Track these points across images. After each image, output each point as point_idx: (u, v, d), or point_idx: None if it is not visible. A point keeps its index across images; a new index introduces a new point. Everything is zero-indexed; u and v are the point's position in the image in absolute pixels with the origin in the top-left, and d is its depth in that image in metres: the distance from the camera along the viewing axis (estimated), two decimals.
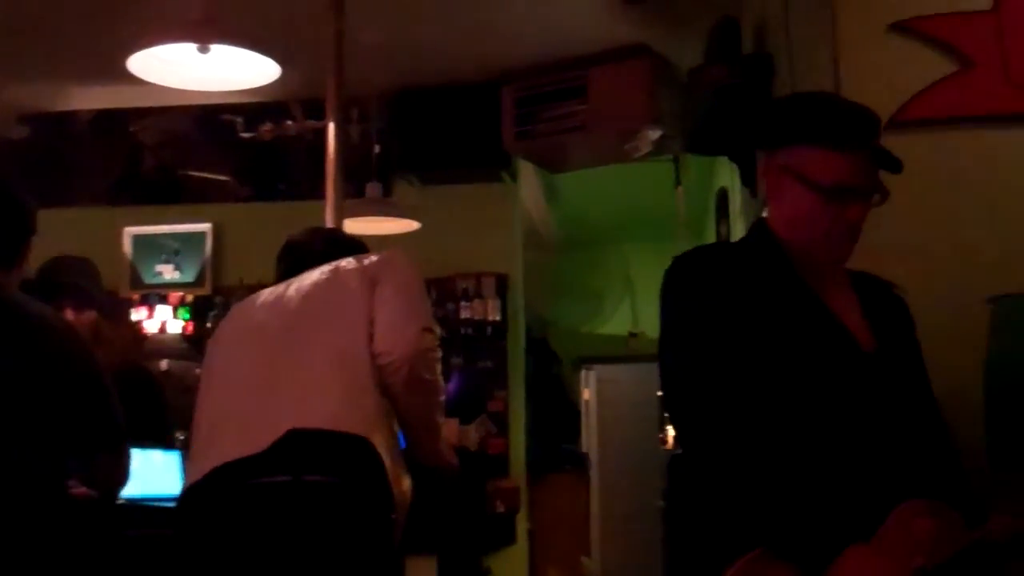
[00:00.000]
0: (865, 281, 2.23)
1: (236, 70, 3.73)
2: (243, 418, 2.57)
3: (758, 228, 2.20)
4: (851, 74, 3.05)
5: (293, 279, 2.82)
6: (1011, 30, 3.12)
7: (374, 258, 2.82)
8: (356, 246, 3.01)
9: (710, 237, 7.02)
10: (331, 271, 2.78)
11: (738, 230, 5.35)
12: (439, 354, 2.73)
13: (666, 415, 9.69)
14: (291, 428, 2.47)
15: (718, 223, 6.30)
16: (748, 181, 4.35)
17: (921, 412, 2.12)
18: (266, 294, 2.84)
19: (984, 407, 2.79)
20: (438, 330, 2.75)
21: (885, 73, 3.09)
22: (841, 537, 1.81)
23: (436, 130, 6.08)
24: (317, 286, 2.75)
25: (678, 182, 6.81)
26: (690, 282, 2.07)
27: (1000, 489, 2.56)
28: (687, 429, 2.03)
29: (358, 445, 2.49)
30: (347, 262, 2.80)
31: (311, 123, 4.40)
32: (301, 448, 2.46)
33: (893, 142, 2.17)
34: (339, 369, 2.60)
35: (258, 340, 2.72)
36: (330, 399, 2.55)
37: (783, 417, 1.92)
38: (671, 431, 9.68)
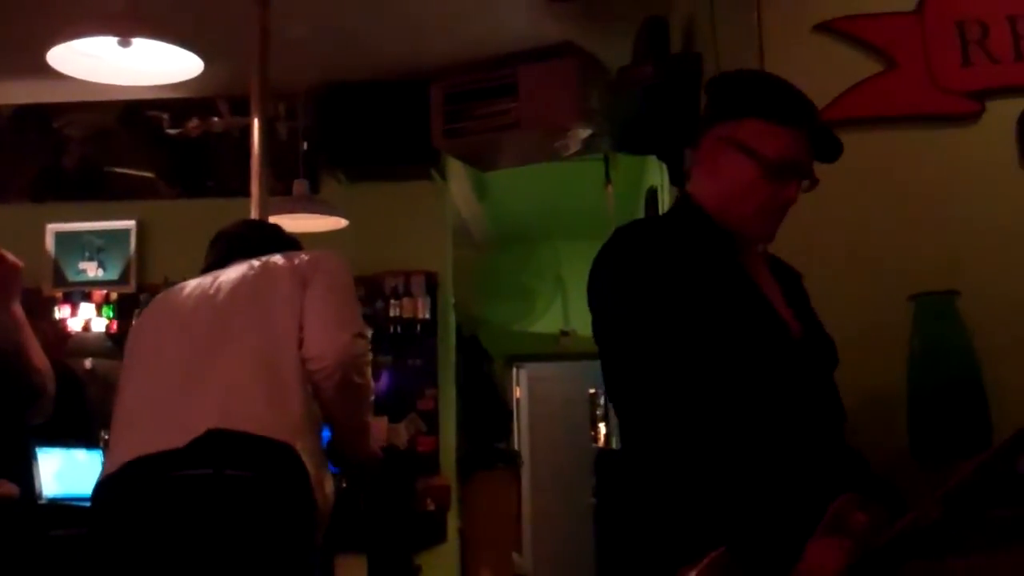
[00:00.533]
0: (778, 266, 2.24)
1: (159, 65, 3.67)
2: (163, 413, 2.51)
3: (686, 203, 2.17)
4: (777, 73, 3.06)
5: (220, 271, 2.76)
6: (933, 31, 3.17)
7: (305, 257, 2.76)
8: (288, 241, 2.96)
9: None
10: (260, 266, 2.72)
11: None
12: (370, 358, 2.69)
13: (598, 412, 9.77)
14: (211, 428, 2.42)
15: None
16: (676, 180, 4.37)
17: (838, 400, 2.14)
18: (192, 286, 2.77)
19: (907, 401, 2.84)
20: (369, 333, 2.71)
21: (810, 73, 3.10)
22: (795, 533, 1.79)
23: (364, 127, 6.01)
24: (245, 280, 2.69)
25: (608, 180, 6.81)
26: (632, 266, 2.03)
27: (921, 477, 2.61)
28: (639, 422, 1.98)
29: (281, 452, 2.45)
30: (277, 258, 2.74)
31: (237, 119, 4.37)
32: (221, 448, 2.41)
33: None
34: (264, 370, 2.54)
35: (182, 333, 2.65)
36: (254, 401, 2.50)
37: (736, 411, 1.89)
38: (602, 428, 9.75)
